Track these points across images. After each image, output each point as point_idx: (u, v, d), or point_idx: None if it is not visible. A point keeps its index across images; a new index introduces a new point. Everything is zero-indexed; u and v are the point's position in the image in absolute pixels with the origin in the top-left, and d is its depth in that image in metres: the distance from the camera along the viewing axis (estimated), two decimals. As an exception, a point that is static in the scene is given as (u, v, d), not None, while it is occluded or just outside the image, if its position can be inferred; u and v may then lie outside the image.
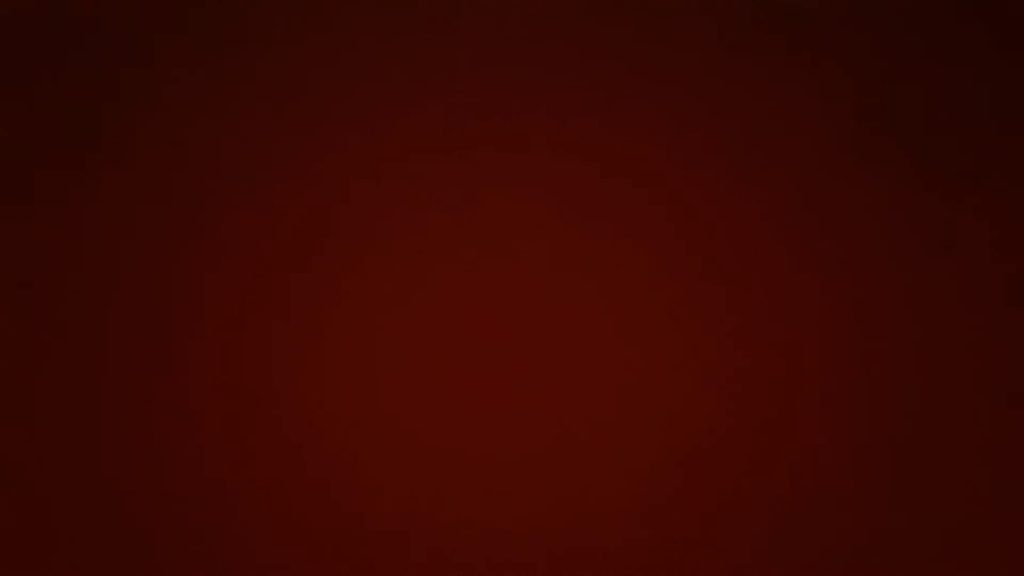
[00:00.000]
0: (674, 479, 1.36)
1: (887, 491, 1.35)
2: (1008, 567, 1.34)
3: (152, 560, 1.35)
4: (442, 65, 1.41)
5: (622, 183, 1.39)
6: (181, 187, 1.39)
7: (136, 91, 1.41)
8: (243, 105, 1.41)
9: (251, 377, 1.37)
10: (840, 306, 1.37)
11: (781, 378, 1.36)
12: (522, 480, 1.36)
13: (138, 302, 1.38)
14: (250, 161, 1.40)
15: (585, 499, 1.36)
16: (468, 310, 1.38)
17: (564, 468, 1.36)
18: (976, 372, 1.36)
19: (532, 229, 1.39)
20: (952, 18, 1.39)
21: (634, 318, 1.38)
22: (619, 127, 1.40)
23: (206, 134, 1.40)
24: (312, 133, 1.40)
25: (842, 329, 1.37)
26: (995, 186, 1.38)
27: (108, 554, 1.36)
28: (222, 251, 1.39)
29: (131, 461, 1.36)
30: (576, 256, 1.39)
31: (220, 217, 1.39)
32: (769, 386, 1.36)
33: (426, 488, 1.36)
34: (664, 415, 1.36)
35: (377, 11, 1.42)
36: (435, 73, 1.41)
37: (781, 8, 1.40)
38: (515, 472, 1.36)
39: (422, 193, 1.40)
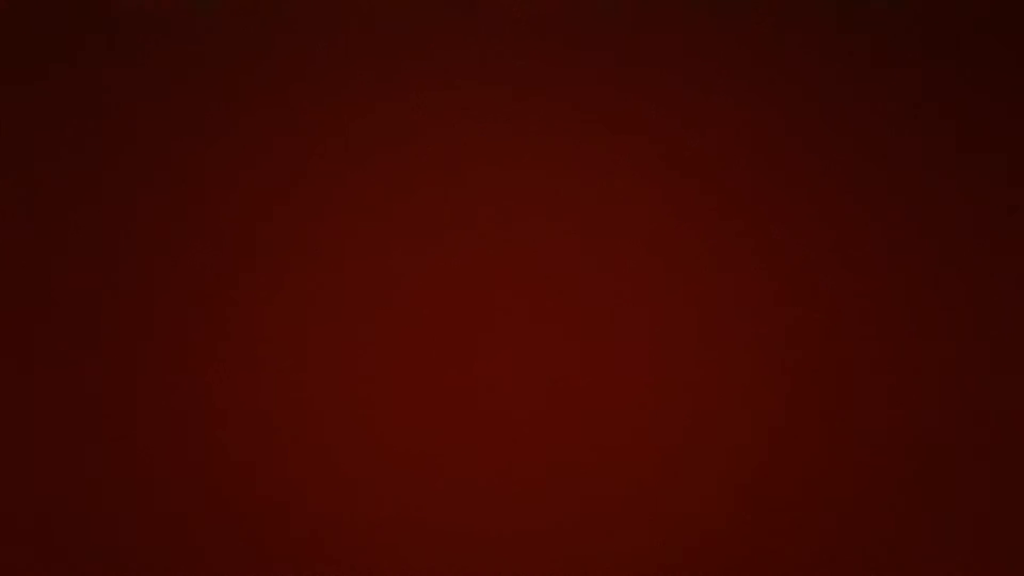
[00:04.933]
0: (686, 485, 1.36)
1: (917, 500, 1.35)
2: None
3: (144, 562, 1.36)
4: (444, 67, 1.41)
5: (627, 186, 1.39)
6: (172, 188, 1.39)
7: (128, 90, 1.41)
8: (243, 107, 1.41)
9: (247, 382, 1.37)
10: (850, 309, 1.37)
11: (803, 383, 1.37)
12: (524, 488, 1.37)
13: (132, 302, 1.38)
14: (243, 162, 1.40)
15: (590, 505, 1.36)
16: (470, 312, 1.38)
17: (567, 474, 1.37)
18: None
19: (535, 233, 1.39)
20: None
21: (637, 322, 1.37)
22: (625, 128, 1.39)
23: (199, 135, 1.40)
24: (307, 134, 1.40)
25: (880, 338, 1.37)
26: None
27: (106, 556, 1.36)
28: (215, 252, 1.39)
29: (127, 462, 1.37)
30: (579, 259, 1.39)
31: (216, 219, 1.39)
32: (790, 391, 1.37)
33: (427, 494, 1.37)
34: (676, 422, 1.37)
35: (380, 17, 1.42)
36: (437, 76, 1.41)
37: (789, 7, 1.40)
38: (516, 480, 1.37)
39: (421, 196, 1.40)
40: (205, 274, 1.38)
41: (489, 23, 1.40)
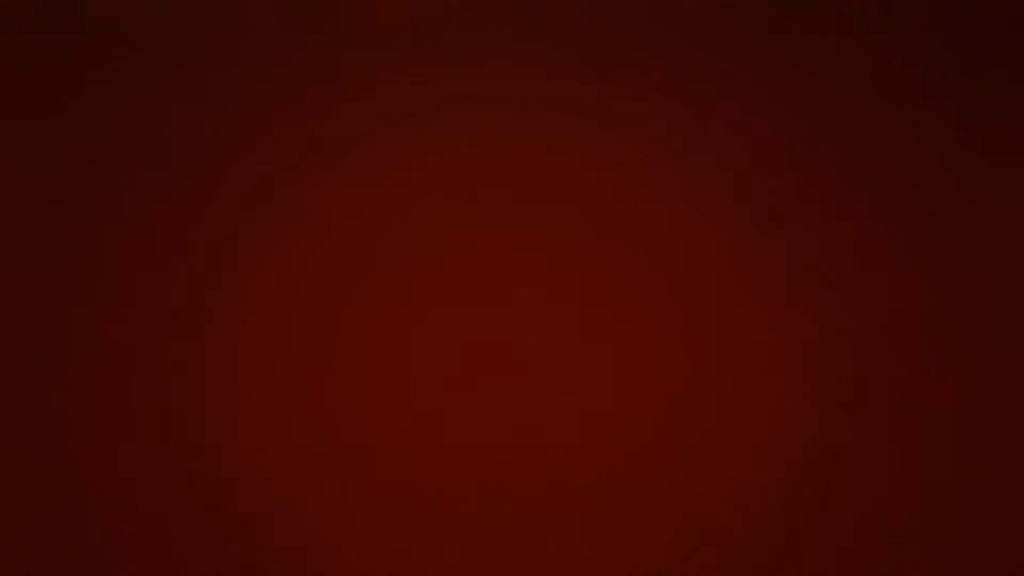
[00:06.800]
0: (693, 484, 1.36)
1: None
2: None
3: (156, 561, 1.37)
4: (443, 62, 1.42)
5: (628, 181, 1.39)
6: (150, 186, 1.40)
7: (101, 90, 1.41)
8: (246, 105, 1.41)
9: (258, 380, 1.37)
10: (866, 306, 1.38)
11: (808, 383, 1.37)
12: (531, 486, 1.37)
13: (113, 301, 1.39)
14: (228, 156, 1.41)
15: (598, 510, 1.36)
16: (472, 312, 1.38)
17: (572, 477, 1.37)
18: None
19: (536, 230, 1.39)
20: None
21: (636, 319, 1.37)
22: (624, 125, 1.40)
23: (181, 129, 1.40)
24: (297, 124, 1.40)
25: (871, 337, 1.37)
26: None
27: (87, 562, 1.38)
28: (226, 253, 1.39)
29: (108, 466, 1.37)
30: (582, 257, 1.39)
31: (223, 220, 1.40)
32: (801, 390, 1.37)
33: (423, 501, 1.36)
34: (683, 421, 1.37)
35: (379, 11, 1.44)
36: (437, 71, 1.42)
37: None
38: (522, 478, 1.37)
39: (424, 191, 1.40)
40: (187, 272, 1.39)
41: (492, 4, 1.43)
